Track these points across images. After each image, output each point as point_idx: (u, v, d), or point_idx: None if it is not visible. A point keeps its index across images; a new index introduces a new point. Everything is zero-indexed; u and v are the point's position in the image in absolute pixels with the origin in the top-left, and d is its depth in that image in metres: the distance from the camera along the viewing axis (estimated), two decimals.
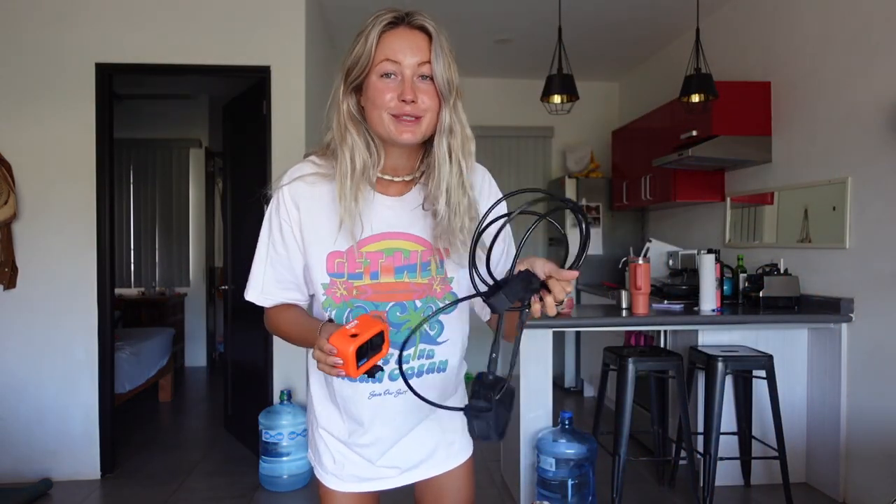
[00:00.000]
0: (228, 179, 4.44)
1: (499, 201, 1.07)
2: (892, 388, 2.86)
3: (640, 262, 3.10)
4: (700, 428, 3.14)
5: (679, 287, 3.85)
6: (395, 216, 1.21)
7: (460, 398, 1.36)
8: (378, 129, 1.15)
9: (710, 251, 3.37)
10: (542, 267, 1.00)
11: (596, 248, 5.41)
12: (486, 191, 1.28)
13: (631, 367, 2.91)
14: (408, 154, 1.21)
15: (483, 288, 1.00)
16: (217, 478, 3.51)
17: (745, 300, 3.54)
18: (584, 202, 5.40)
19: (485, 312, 1.32)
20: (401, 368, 1.05)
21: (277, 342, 3.61)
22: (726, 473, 3.24)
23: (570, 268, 0.99)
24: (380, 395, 1.24)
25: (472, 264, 0.98)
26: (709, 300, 3.26)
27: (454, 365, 1.29)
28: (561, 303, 1.00)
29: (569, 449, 2.78)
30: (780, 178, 3.65)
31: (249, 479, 3.45)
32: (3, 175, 3.35)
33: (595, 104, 5.90)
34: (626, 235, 5.46)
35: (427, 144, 1.21)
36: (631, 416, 2.90)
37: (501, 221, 1.03)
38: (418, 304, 1.21)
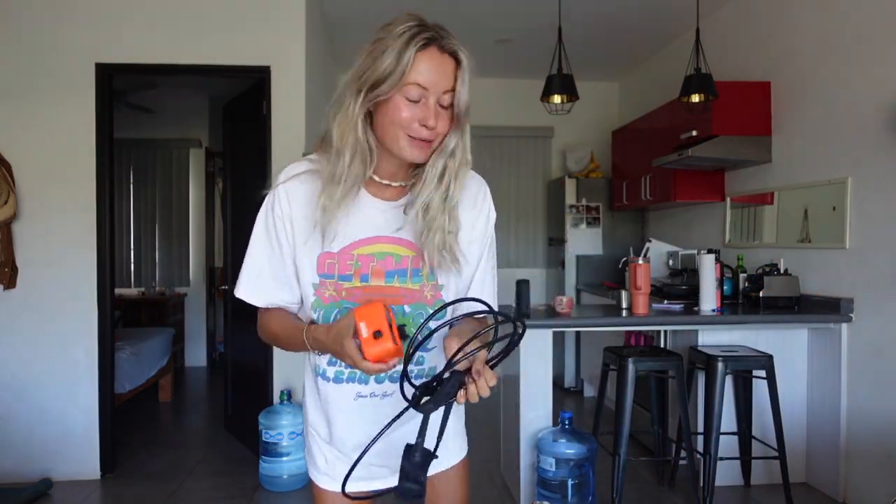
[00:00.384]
0: (228, 179, 4.44)
1: (434, 314, 1.13)
2: (892, 388, 2.86)
3: (640, 262, 3.10)
4: (700, 428, 3.14)
5: (679, 287, 3.86)
6: (387, 220, 1.20)
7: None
8: (390, 144, 1.14)
9: (710, 251, 3.37)
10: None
11: (596, 248, 5.42)
12: (477, 202, 1.27)
13: (631, 367, 2.91)
14: (406, 162, 1.20)
15: (410, 393, 1.03)
16: (217, 478, 3.51)
17: (745, 300, 3.54)
18: (584, 202, 5.40)
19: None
20: (405, 374, 1.03)
21: None
22: (726, 473, 3.24)
23: (491, 366, 1.03)
24: (366, 396, 1.24)
25: (404, 371, 1.01)
26: (709, 300, 3.26)
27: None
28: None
29: (569, 449, 2.78)
30: (780, 178, 3.65)
31: (249, 479, 3.45)
32: (3, 175, 3.35)
33: (595, 104, 5.90)
34: (626, 235, 5.46)
35: None
36: (631, 416, 2.90)
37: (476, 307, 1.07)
38: (407, 309, 1.21)
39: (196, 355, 6.50)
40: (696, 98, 3.58)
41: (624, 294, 3.31)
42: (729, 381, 3.19)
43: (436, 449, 1.05)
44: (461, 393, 1.02)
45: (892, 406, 2.85)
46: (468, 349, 1.01)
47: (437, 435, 1.06)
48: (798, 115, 3.50)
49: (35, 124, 3.46)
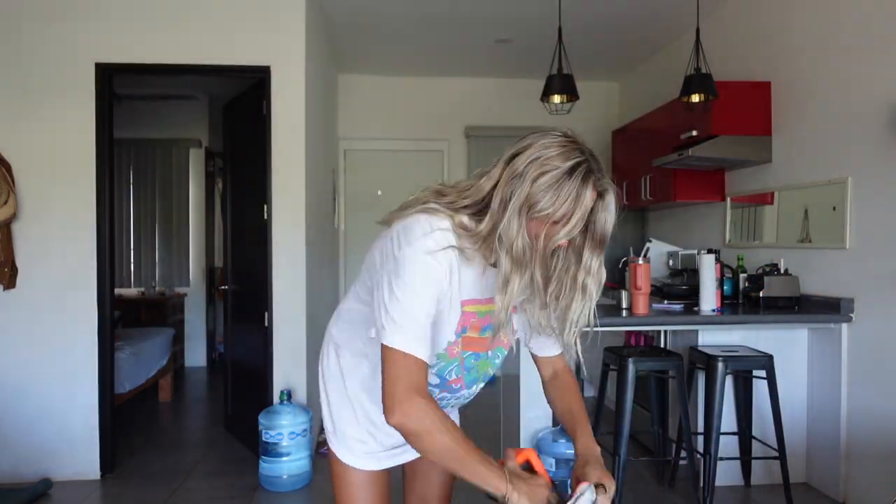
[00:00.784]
0: (228, 179, 4.44)
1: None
2: (892, 388, 2.85)
3: (640, 262, 3.11)
4: (700, 428, 3.14)
5: (679, 287, 3.85)
6: (489, 284, 1.26)
7: None
8: (527, 241, 1.17)
9: (710, 251, 3.37)
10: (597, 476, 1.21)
11: None
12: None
13: (631, 367, 2.91)
14: None
15: None
16: (217, 478, 3.51)
17: (746, 300, 3.54)
18: None
19: (532, 344, 1.43)
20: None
21: (277, 342, 3.62)
22: (726, 473, 3.24)
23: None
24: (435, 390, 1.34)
25: None
26: (709, 300, 3.26)
27: None
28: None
29: (569, 449, 2.78)
30: (780, 178, 3.65)
31: (249, 479, 3.45)
32: (3, 175, 3.35)
33: (595, 104, 5.89)
34: (626, 235, 5.45)
35: None
36: (631, 416, 2.90)
37: None
38: (489, 353, 1.34)
39: (196, 355, 6.50)
40: (696, 98, 3.58)
41: (624, 294, 3.31)
42: (729, 381, 3.19)
43: None
44: None
45: (892, 406, 2.85)
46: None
47: None
48: (798, 115, 3.50)
49: (35, 124, 3.46)
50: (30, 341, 3.45)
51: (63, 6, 3.48)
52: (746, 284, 3.54)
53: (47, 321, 3.46)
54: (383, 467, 1.40)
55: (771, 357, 3.00)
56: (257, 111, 3.70)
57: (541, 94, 3.72)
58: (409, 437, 1.12)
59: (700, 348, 3.16)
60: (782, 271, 3.44)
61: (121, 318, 5.71)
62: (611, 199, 1.20)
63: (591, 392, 5.20)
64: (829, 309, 3.16)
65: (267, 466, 3.32)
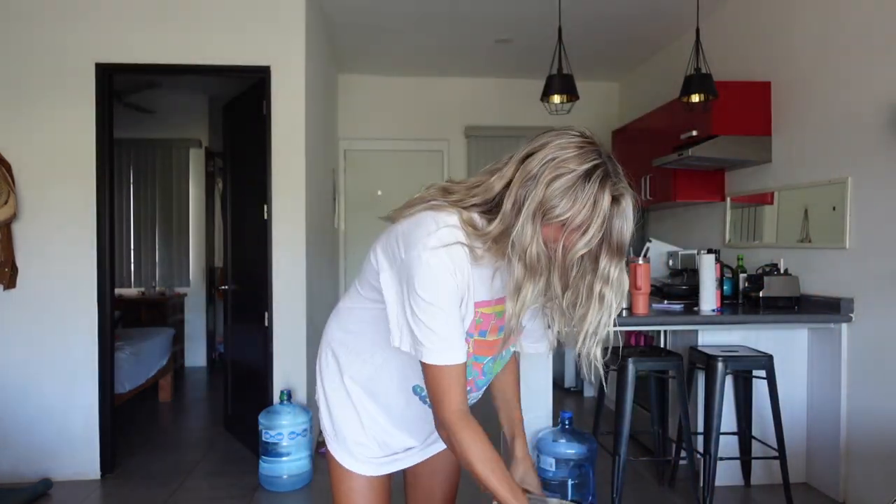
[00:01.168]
0: (228, 179, 4.44)
1: None
2: (892, 388, 2.85)
3: (640, 262, 3.10)
4: (700, 428, 3.14)
5: (679, 287, 3.85)
6: (500, 284, 1.24)
7: None
8: (542, 248, 1.13)
9: (710, 251, 3.36)
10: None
11: None
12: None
13: (631, 367, 2.91)
14: None
15: None
16: (217, 478, 3.51)
17: (745, 300, 3.54)
18: None
19: (527, 344, 1.41)
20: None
21: (277, 342, 3.62)
22: (726, 473, 3.24)
23: None
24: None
25: None
26: (709, 300, 3.26)
27: None
28: None
29: (569, 449, 2.78)
30: (780, 178, 3.65)
31: (249, 479, 3.45)
32: (3, 175, 3.35)
33: (595, 104, 5.89)
34: None
35: None
36: (631, 416, 2.90)
37: None
38: (504, 354, 1.35)
39: (196, 355, 6.50)
40: (696, 98, 3.58)
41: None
42: (729, 381, 3.19)
43: None
44: None
45: (892, 406, 2.85)
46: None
47: None
48: (798, 115, 3.50)
49: (35, 124, 3.46)
50: (30, 341, 3.45)
51: (63, 6, 3.48)
52: (746, 284, 3.54)
53: (47, 321, 3.46)
54: (384, 472, 1.37)
55: (771, 357, 2.99)
56: (257, 111, 3.70)
57: (541, 94, 3.72)
58: (451, 449, 1.20)
59: (700, 348, 3.16)
60: (782, 271, 3.44)
61: (121, 318, 5.71)
62: (627, 205, 1.13)
63: (591, 392, 5.21)
64: (829, 309, 3.15)
65: (267, 466, 3.32)
